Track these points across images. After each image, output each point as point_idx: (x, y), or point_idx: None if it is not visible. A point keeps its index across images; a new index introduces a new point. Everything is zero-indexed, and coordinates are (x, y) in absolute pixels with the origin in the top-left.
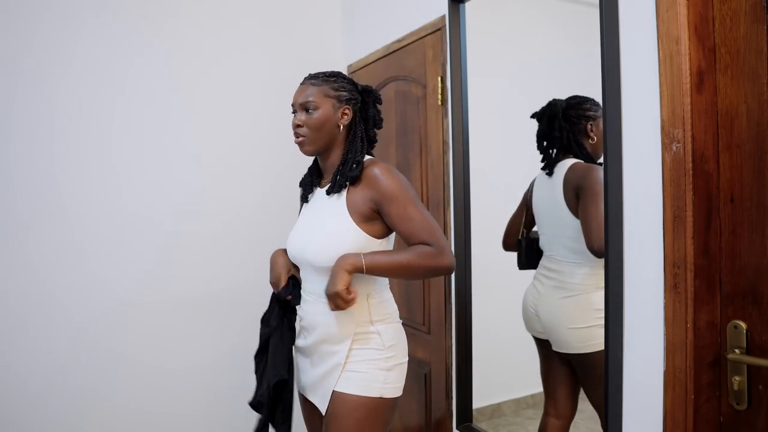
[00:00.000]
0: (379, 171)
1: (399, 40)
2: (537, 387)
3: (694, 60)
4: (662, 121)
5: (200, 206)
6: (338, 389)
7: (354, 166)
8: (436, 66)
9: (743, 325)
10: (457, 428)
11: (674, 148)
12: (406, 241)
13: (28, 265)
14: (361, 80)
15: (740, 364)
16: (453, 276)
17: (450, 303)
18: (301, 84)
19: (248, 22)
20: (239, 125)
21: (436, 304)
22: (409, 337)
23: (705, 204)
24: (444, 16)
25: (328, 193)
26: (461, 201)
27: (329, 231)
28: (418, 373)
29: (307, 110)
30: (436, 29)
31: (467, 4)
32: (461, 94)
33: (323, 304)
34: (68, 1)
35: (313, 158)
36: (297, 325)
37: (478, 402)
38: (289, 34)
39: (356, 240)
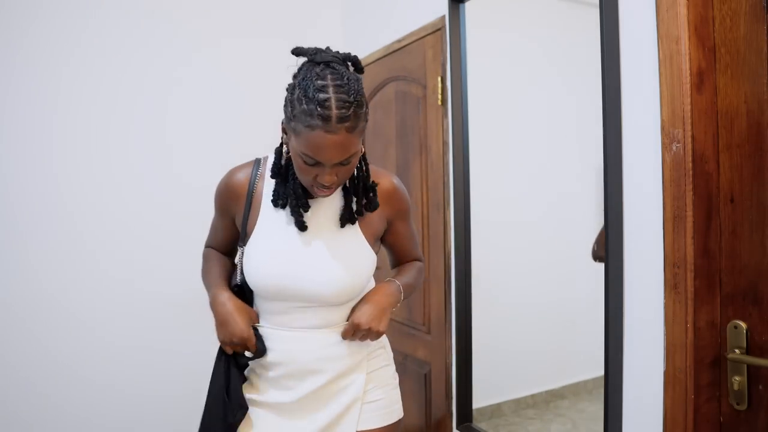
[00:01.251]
0: (396, 186)
1: (399, 41)
2: (537, 387)
3: (694, 60)
4: (662, 121)
5: (192, 207)
6: (363, 428)
7: (372, 195)
8: (436, 66)
9: (743, 325)
10: (457, 428)
11: (674, 148)
12: (402, 256)
13: (23, 266)
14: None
15: (740, 364)
16: (453, 276)
17: (450, 303)
18: (330, 132)
19: (248, 23)
20: (237, 128)
21: (436, 304)
22: (409, 337)
23: (705, 204)
24: (444, 17)
25: (343, 224)
26: (461, 201)
27: (353, 265)
28: (418, 373)
29: (342, 164)
30: (436, 29)
31: (467, 4)
32: (461, 94)
33: (328, 333)
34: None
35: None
36: (262, 381)
37: (478, 402)
38: (288, 34)
39: (373, 265)
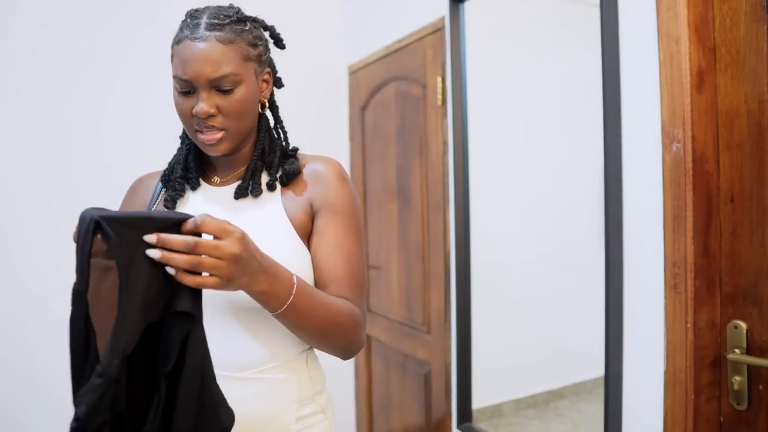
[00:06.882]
0: (332, 169)
1: (399, 41)
2: (537, 387)
3: (694, 60)
4: (662, 121)
5: None
6: None
7: (291, 161)
8: (436, 66)
9: (743, 325)
10: (457, 428)
11: (674, 148)
12: (322, 279)
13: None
14: (362, 81)
15: (740, 364)
16: (453, 276)
17: (450, 303)
18: (197, 39)
19: None
20: None
21: (436, 304)
22: (409, 337)
23: (705, 204)
24: (444, 17)
25: (240, 195)
26: (461, 201)
27: (272, 252)
28: (418, 373)
29: (221, 89)
30: (436, 29)
31: (467, 4)
32: (461, 94)
33: (241, 381)
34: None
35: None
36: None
37: (478, 402)
38: (288, 34)
39: (306, 266)
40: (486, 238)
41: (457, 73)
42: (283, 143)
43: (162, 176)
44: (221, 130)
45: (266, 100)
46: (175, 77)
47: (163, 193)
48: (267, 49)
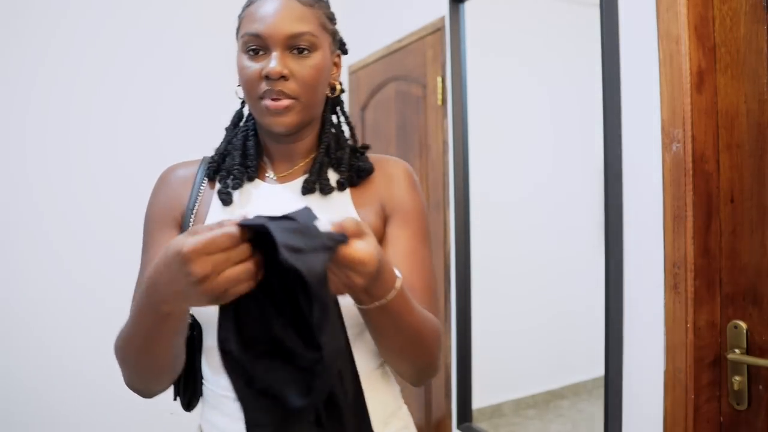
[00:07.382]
0: (403, 171)
1: (399, 41)
2: (537, 387)
3: (694, 60)
4: (662, 121)
5: None
6: None
7: (359, 154)
8: (436, 66)
9: (743, 325)
10: (457, 428)
11: (674, 148)
12: None
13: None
14: (362, 80)
15: (740, 364)
16: (453, 276)
17: (450, 303)
18: None
19: None
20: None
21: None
22: None
23: (705, 204)
24: (444, 17)
25: (308, 191)
26: (461, 201)
27: None
28: None
29: (299, 49)
30: (436, 29)
31: (467, 4)
32: (461, 94)
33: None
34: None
35: (243, 133)
36: None
37: (478, 402)
38: None
39: None
40: (486, 237)
41: (457, 73)
42: (349, 140)
43: (209, 165)
44: (290, 98)
45: (337, 84)
46: (245, 35)
47: (206, 184)
48: (338, 33)
